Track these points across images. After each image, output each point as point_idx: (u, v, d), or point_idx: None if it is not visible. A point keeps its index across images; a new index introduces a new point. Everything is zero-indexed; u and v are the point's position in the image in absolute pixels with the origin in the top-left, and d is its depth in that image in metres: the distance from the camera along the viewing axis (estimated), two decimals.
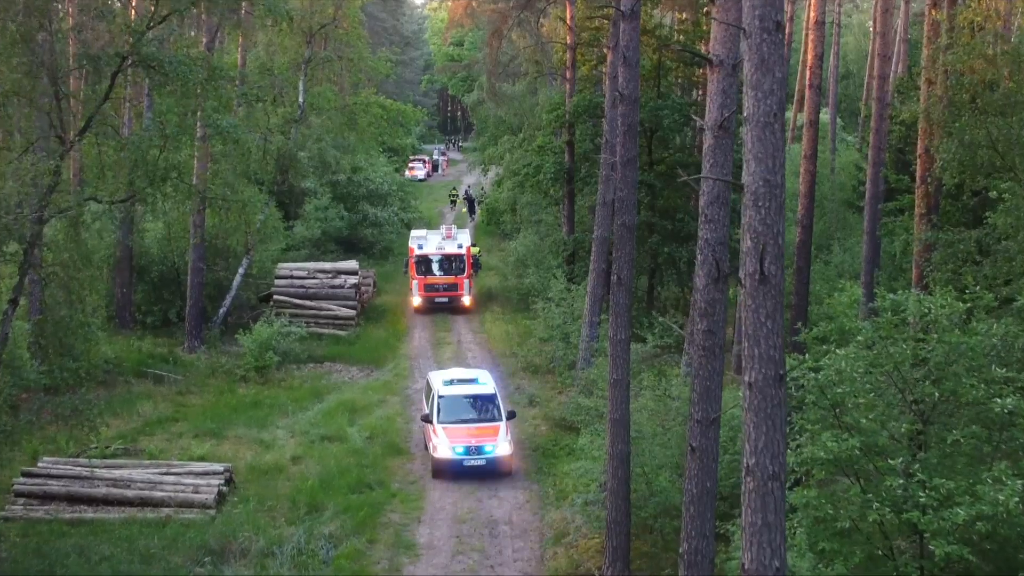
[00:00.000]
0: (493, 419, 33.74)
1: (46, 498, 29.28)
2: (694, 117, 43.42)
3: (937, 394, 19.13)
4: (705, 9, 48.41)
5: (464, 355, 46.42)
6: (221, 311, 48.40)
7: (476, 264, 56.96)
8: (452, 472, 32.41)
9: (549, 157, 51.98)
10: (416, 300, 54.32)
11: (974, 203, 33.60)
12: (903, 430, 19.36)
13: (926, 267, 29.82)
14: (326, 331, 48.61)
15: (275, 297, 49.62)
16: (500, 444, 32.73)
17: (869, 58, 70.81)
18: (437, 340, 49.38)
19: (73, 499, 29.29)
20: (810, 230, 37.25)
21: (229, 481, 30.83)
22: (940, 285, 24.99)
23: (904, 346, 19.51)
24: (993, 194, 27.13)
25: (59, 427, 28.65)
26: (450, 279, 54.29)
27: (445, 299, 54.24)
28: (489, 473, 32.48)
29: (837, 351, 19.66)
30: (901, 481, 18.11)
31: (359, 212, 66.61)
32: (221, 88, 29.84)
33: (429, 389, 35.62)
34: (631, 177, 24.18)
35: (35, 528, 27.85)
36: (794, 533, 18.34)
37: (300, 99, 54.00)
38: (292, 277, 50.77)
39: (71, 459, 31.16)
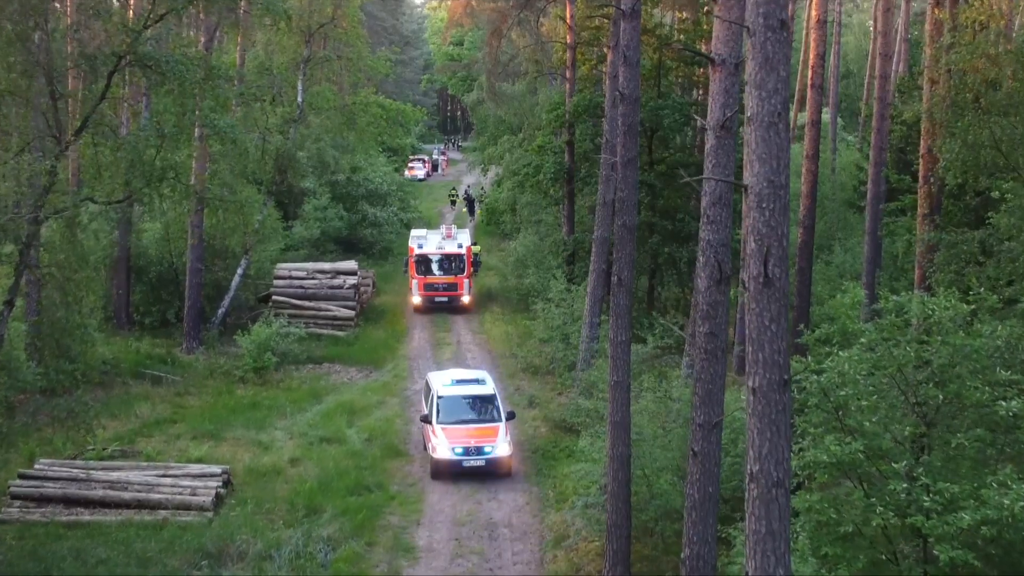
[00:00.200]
0: (493, 420, 33.61)
1: (42, 500, 29.08)
2: (695, 117, 43.26)
3: (941, 397, 18.95)
4: (706, 8, 48.23)
5: (464, 356, 46.24)
6: (220, 312, 48.22)
7: (476, 263, 56.82)
8: (451, 473, 32.29)
9: (549, 157, 51.82)
10: (416, 299, 54.23)
11: (976, 203, 33.41)
12: (906, 433, 19.18)
13: (929, 268, 29.64)
14: (325, 332, 48.41)
15: (274, 298, 49.42)
16: (499, 445, 32.62)
17: (869, 57, 70.66)
18: (437, 341, 49.20)
19: (70, 501, 29.09)
20: (812, 231, 37.10)
21: (227, 483, 30.64)
22: (943, 286, 24.83)
23: (908, 348, 19.32)
24: (995, 194, 26.94)
25: (55, 429, 28.41)
26: (450, 279, 54.20)
27: (445, 299, 54.14)
28: (488, 474, 32.36)
29: (840, 353, 19.47)
30: (905, 485, 17.92)
31: (358, 212, 66.46)
32: (219, 88, 29.64)
33: (428, 390, 35.45)
34: (632, 177, 23.99)
35: (31, 531, 27.63)
36: (796, 537, 18.14)
37: (299, 99, 53.79)
38: (291, 277, 50.57)
39: (68, 461, 30.99)
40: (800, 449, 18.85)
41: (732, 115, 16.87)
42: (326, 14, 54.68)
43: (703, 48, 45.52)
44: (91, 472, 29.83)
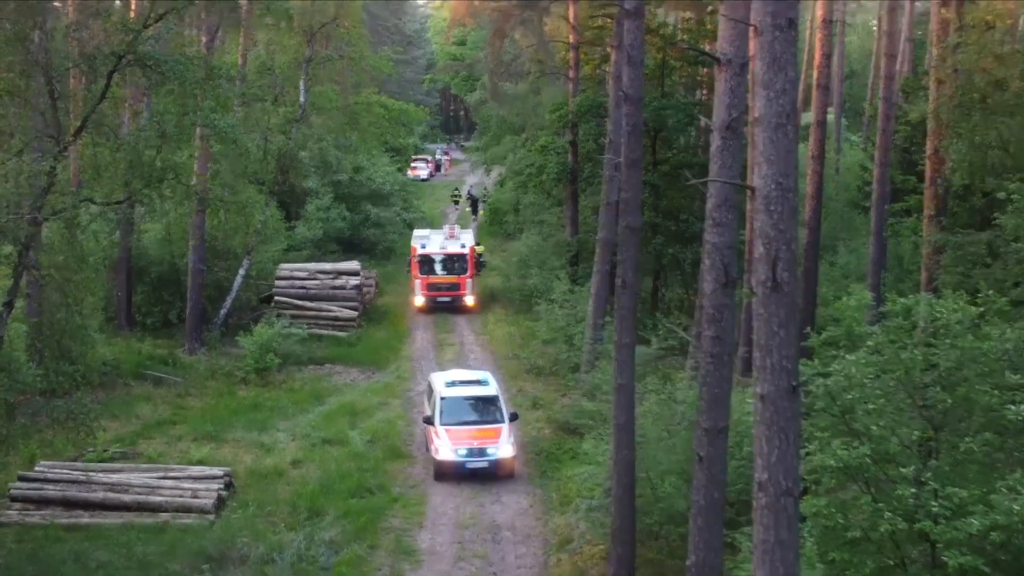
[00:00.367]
0: (495, 421, 33.45)
1: (42, 503, 28.92)
2: (700, 117, 43.09)
3: (949, 400, 18.74)
4: (709, 8, 47.98)
5: (466, 357, 46.07)
6: (221, 312, 48.04)
7: (480, 263, 56.68)
8: (454, 474, 32.14)
9: (552, 157, 51.69)
10: (419, 300, 54.14)
11: (982, 204, 33.22)
12: (914, 437, 18.98)
13: (935, 270, 29.45)
14: (327, 332, 48.21)
15: (276, 298, 49.24)
16: (502, 446, 32.48)
17: (874, 57, 70.54)
18: (439, 341, 49.04)
19: (70, 504, 28.92)
20: (818, 232, 36.95)
21: (228, 485, 30.45)
22: (950, 288, 24.64)
23: (915, 352, 19.11)
24: (1002, 195, 26.76)
25: (55, 431, 28.23)
26: (453, 279, 54.10)
27: (448, 299, 54.04)
28: (491, 476, 32.21)
29: (847, 356, 19.26)
30: (913, 490, 17.71)
31: (361, 212, 66.32)
32: (219, 88, 29.45)
33: (431, 391, 35.30)
34: (636, 178, 23.80)
35: (31, 533, 27.45)
36: (804, 543, 17.93)
37: (301, 98, 53.60)
38: (293, 278, 50.39)
39: (68, 463, 30.79)
40: (807, 454, 18.64)
41: (738, 116, 16.64)
42: (328, 14, 54.47)
43: (707, 48, 45.31)
44: (91, 474, 29.66)
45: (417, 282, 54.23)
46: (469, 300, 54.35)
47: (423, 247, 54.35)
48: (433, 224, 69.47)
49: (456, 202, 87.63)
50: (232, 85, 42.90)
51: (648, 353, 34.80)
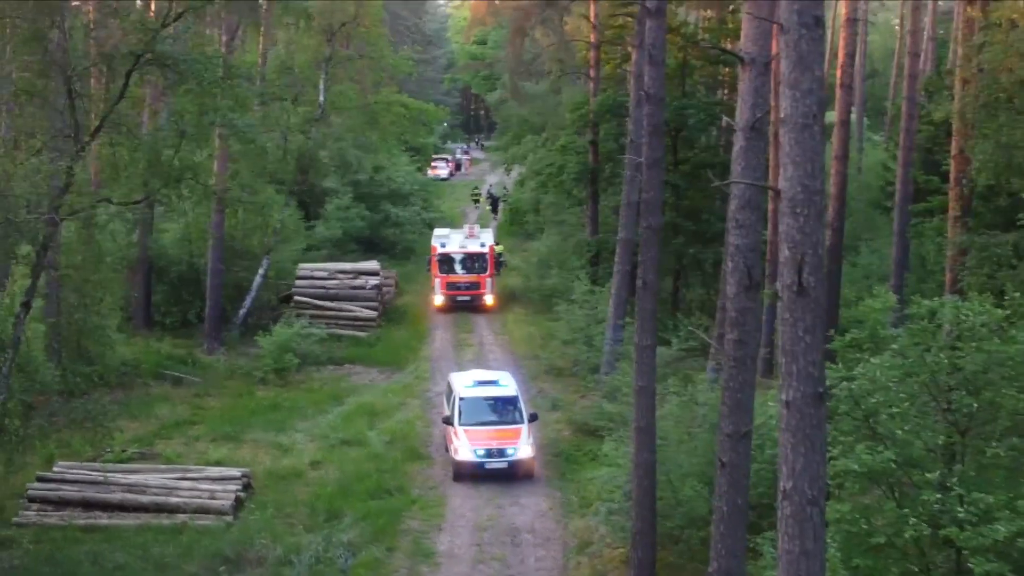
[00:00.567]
0: (515, 421, 33.24)
1: (60, 503, 28.80)
2: (723, 117, 42.80)
3: (975, 404, 18.48)
4: (731, 7, 47.73)
5: (486, 357, 45.90)
6: (241, 312, 47.98)
7: (500, 263, 56.60)
8: (473, 475, 31.96)
9: (572, 157, 51.52)
10: (438, 299, 54.07)
11: (1007, 205, 32.87)
12: (940, 442, 18.73)
13: (960, 272, 29.13)
14: (346, 332, 48.10)
15: (295, 298, 49.16)
16: (522, 447, 32.30)
17: (896, 56, 70.14)
18: (459, 342, 48.89)
19: (88, 504, 28.81)
20: (841, 233, 36.65)
21: (247, 487, 30.30)
22: (975, 290, 24.34)
23: (941, 355, 18.84)
24: None
25: (73, 432, 28.16)
26: (472, 278, 54.03)
27: (467, 298, 53.96)
28: (511, 477, 32.02)
29: (871, 360, 19.01)
30: (938, 495, 17.45)
31: (381, 212, 66.21)
32: (238, 87, 29.35)
33: (450, 391, 35.12)
34: (657, 178, 23.56)
35: (48, 534, 27.36)
36: (827, 548, 17.67)
37: (321, 98, 53.50)
38: (313, 278, 50.31)
39: (87, 464, 30.69)
40: (830, 458, 18.39)
41: (762, 116, 16.41)
42: (348, 13, 54.39)
43: (729, 47, 45.02)
44: (109, 475, 29.54)
45: (437, 281, 54.15)
46: (488, 299, 54.23)
47: (443, 246, 54.32)
48: (453, 224, 69.36)
49: (476, 202, 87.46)
50: (251, 84, 42.82)
51: (669, 354, 34.45)
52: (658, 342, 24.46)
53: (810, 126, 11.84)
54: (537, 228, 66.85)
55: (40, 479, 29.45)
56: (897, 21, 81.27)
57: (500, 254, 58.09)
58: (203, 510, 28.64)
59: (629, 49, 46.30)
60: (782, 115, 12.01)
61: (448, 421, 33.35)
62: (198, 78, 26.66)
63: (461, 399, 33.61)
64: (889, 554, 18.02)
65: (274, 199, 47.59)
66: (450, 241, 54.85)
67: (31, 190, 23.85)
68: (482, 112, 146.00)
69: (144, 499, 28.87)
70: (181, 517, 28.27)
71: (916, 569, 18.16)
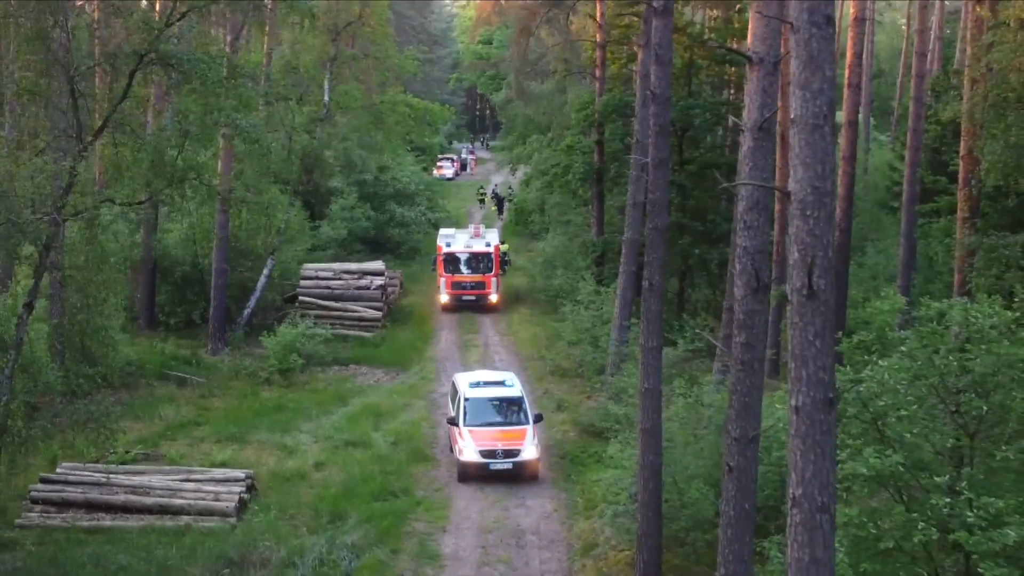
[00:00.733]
0: (520, 422, 33.21)
1: (64, 505, 28.73)
2: (730, 117, 42.68)
3: (985, 407, 18.32)
4: (738, 6, 47.58)
5: (491, 357, 45.79)
6: (245, 312, 47.87)
7: (505, 262, 56.55)
8: (478, 476, 31.88)
9: (578, 157, 51.45)
10: (443, 298, 54.13)
11: (1015, 206, 32.70)
12: (948, 445, 18.58)
13: (968, 273, 28.94)
14: (351, 333, 48.00)
15: (300, 298, 49.09)
16: (527, 448, 32.22)
17: (902, 56, 70.01)
18: (464, 342, 48.77)
19: (91, 506, 28.74)
20: (848, 234, 36.51)
21: (251, 488, 30.19)
22: (983, 292, 24.18)
23: (951, 358, 18.69)
24: None
25: (76, 433, 28.04)
26: (477, 277, 54.06)
27: (472, 297, 54.00)
28: (516, 478, 31.93)
29: (880, 363, 18.85)
30: (947, 499, 17.29)
31: (386, 212, 66.17)
32: (242, 87, 29.17)
33: (455, 391, 35.04)
34: (663, 179, 23.38)
35: (51, 536, 27.28)
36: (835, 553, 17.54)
37: (326, 97, 53.41)
38: (318, 278, 50.24)
39: (90, 464, 30.56)
40: (838, 461, 18.22)
41: (771, 116, 16.23)
42: (353, 13, 54.29)
43: (734, 46, 44.88)
44: (112, 476, 29.43)
45: (442, 280, 54.26)
46: (493, 299, 54.31)
47: (448, 246, 54.41)
48: (459, 224, 69.35)
49: (482, 202, 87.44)
50: (256, 84, 42.67)
51: (675, 355, 34.42)
52: (664, 343, 24.33)
53: (821, 127, 11.67)
54: (542, 228, 66.78)
55: (43, 480, 29.38)
56: (903, 20, 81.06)
57: (505, 253, 58.09)
58: (207, 512, 28.53)
59: (635, 49, 46.18)
60: (792, 116, 11.84)
61: (453, 422, 33.28)
62: (202, 78, 26.48)
63: (466, 400, 33.54)
64: (897, 558, 17.89)
65: (278, 199, 47.45)
66: (455, 241, 54.88)
67: (34, 190, 23.69)
68: (488, 112, 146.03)
69: (148, 501, 28.77)
70: (185, 519, 28.17)
71: (925, 574, 18.03)
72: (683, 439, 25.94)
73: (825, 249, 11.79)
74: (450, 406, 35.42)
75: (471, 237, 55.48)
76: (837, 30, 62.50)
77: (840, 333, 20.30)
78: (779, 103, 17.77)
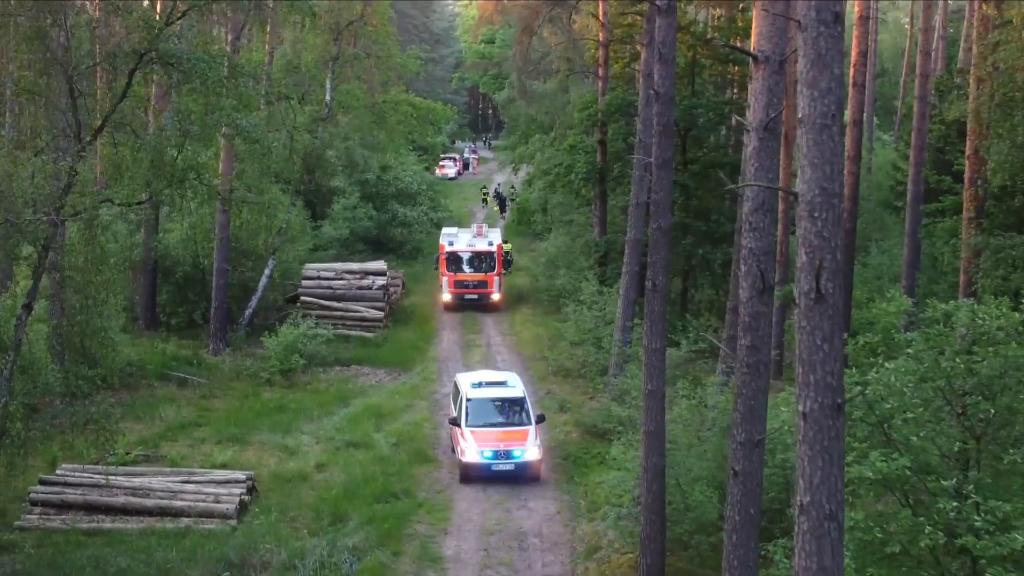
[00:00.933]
0: (522, 423, 33.09)
1: (63, 507, 28.58)
2: (734, 116, 42.46)
3: (992, 410, 18.12)
4: (741, 5, 47.37)
5: (493, 358, 45.62)
6: (247, 312, 47.70)
7: (508, 262, 56.44)
8: (480, 476, 31.76)
9: (581, 156, 51.28)
10: (446, 297, 54.07)
11: (1021, 205, 32.49)
12: (955, 448, 18.38)
13: (975, 274, 28.73)
14: (353, 333, 47.81)
15: (302, 298, 48.91)
16: (529, 448, 32.09)
17: (905, 55, 69.76)
18: (466, 342, 48.59)
19: (91, 508, 28.59)
20: (853, 234, 36.31)
21: (251, 490, 30.04)
22: (989, 293, 23.98)
23: (957, 360, 18.48)
24: None
25: (76, 435, 27.88)
26: (480, 276, 53.96)
27: (475, 296, 53.91)
28: (518, 479, 31.80)
29: (886, 365, 18.64)
30: (954, 503, 17.09)
31: (388, 211, 66.01)
32: (242, 86, 28.97)
33: (457, 392, 34.89)
34: (667, 179, 23.19)
35: (51, 538, 27.11)
36: None
37: (328, 97, 53.27)
38: (319, 278, 50.07)
39: (90, 466, 30.40)
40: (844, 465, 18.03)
41: (776, 116, 16.02)
42: (355, 12, 54.11)
43: (738, 45, 44.69)
44: (111, 478, 29.26)
45: (444, 279, 54.17)
46: (496, 298, 54.22)
47: (451, 244, 54.34)
48: (461, 223, 69.19)
49: (485, 201, 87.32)
50: (257, 83, 42.49)
51: (678, 356, 34.24)
52: (667, 344, 24.16)
53: (829, 127, 11.46)
54: (545, 228, 66.60)
55: (42, 482, 29.24)
56: (906, 19, 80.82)
57: (508, 252, 58.01)
58: (207, 514, 28.38)
59: (638, 48, 46.00)
60: (800, 115, 11.62)
61: (455, 422, 33.17)
62: (202, 77, 26.29)
63: (468, 400, 33.40)
64: (904, 563, 17.69)
65: (279, 199, 47.26)
66: (458, 240, 54.80)
67: (33, 191, 23.51)
68: (490, 111, 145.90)
69: (148, 503, 28.62)
70: (185, 521, 28.02)
71: None
72: (687, 441, 25.76)
73: (833, 252, 11.57)
74: (452, 406, 35.27)
75: (474, 236, 55.36)
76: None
77: (845, 335, 20.10)
78: (786, 102, 17.58)
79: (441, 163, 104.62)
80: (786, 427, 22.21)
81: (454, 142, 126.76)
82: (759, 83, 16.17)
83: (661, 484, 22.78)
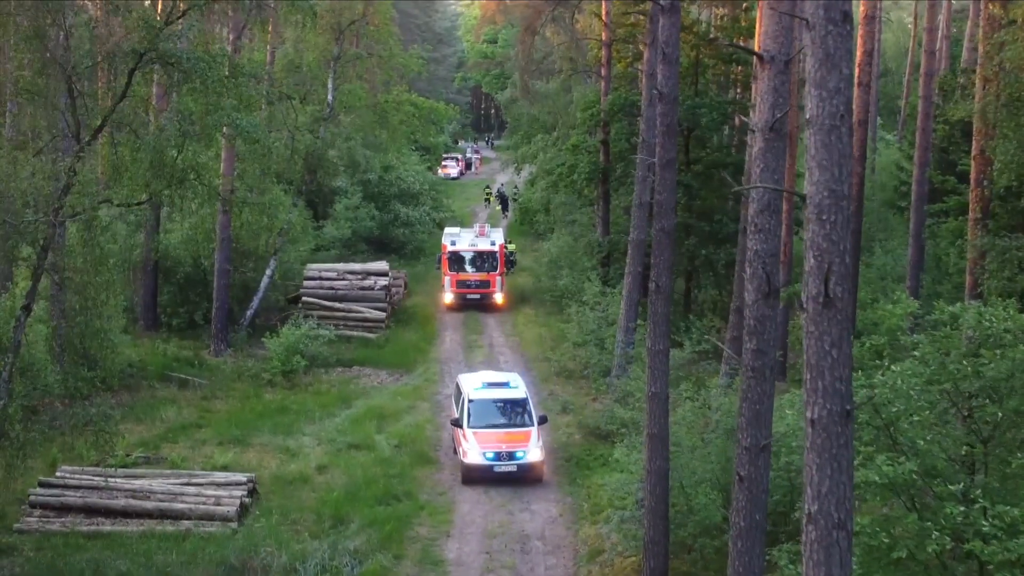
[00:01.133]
0: (524, 424, 32.99)
1: (63, 509, 28.40)
2: (738, 116, 42.27)
3: (1000, 414, 17.95)
4: (744, 4, 47.19)
5: (496, 358, 45.44)
6: (248, 313, 47.54)
7: (511, 261, 56.30)
8: (482, 478, 31.66)
9: (583, 156, 51.18)
10: (448, 297, 53.93)
11: None
12: (963, 452, 18.21)
13: (981, 275, 28.52)
14: (355, 334, 47.60)
15: (304, 299, 48.72)
16: (531, 450, 32.00)
17: (909, 55, 69.56)
18: (468, 343, 48.41)
19: (91, 510, 28.42)
20: (859, 235, 36.16)
21: (252, 492, 29.88)
22: (994, 294, 23.81)
23: (964, 362, 18.30)
24: None
25: (76, 437, 27.72)
26: (482, 276, 53.80)
27: (477, 296, 53.75)
28: (520, 480, 31.70)
29: (892, 368, 18.47)
30: (962, 508, 16.91)
31: (390, 211, 65.82)
32: (243, 86, 28.77)
33: (459, 392, 34.75)
34: (670, 180, 23.02)
35: (50, 541, 26.93)
36: None
37: (329, 97, 53.11)
38: (321, 278, 49.87)
39: (90, 468, 30.22)
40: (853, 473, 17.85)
41: (782, 116, 15.82)
42: (357, 11, 54.02)
43: (742, 44, 44.53)
44: (111, 480, 29.10)
45: (446, 279, 54.01)
46: (498, 297, 54.01)
47: (453, 244, 54.21)
48: (463, 223, 69.01)
49: (488, 201, 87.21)
50: (258, 83, 42.32)
51: (681, 357, 34.02)
52: (671, 345, 23.98)
53: (838, 127, 11.27)
54: (547, 228, 66.42)
55: (42, 484, 29.06)
56: (909, 19, 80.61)
57: (512, 252, 57.89)
58: (208, 516, 28.21)
59: (641, 47, 45.86)
60: (807, 116, 11.43)
61: (457, 423, 33.11)
62: (202, 77, 26.10)
63: (470, 401, 33.29)
64: (910, 568, 17.54)
65: (280, 199, 47.08)
66: (460, 239, 54.68)
67: (32, 191, 23.33)
68: (493, 111, 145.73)
69: (148, 505, 28.46)
70: (185, 524, 27.86)
71: None
72: (690, 443, 25.61)
73: (842, 255, 11.38)
74: (454, 407, 35.13)
75: (476, 236, 55.20)
76: None
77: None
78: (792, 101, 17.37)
79: (443, 163, 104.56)
80: (791, 431, 22.03)
81: (457, 142, 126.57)
82: (765, 83, 15.96)
83: (665, 487, 22.62)
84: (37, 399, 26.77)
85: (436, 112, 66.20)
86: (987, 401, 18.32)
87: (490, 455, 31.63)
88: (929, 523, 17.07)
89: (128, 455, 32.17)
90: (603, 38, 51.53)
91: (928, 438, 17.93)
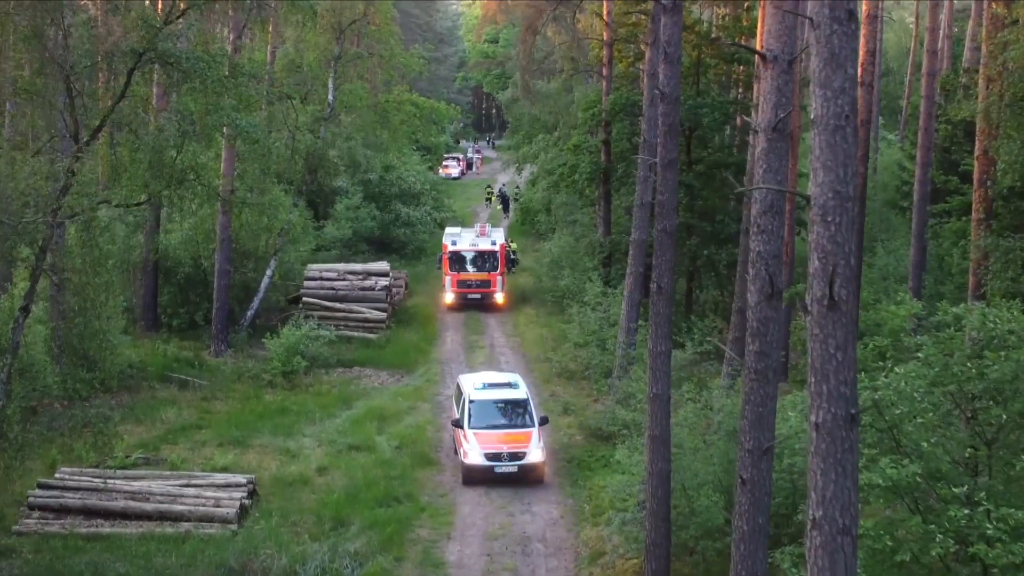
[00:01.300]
0: (525, 425, 32.85)
1: (62, 511, 28.23)
2: (740, 116, 42.15)
3: (1004, 416, 17.84)
4: (746, 4, 47.08)
5: (497, 359, 45.33)
6: (248, 314, 47.43)
7: (513, 261, 56.20)
8: (483, 479, 31.54)
9: (585, 156, 51.09)
10: (449, 296, 53.83)
11: None
12: (967, 454, 18.11)
13: (984, 276, 28.41)
14: (356, 334, 47.46)
15: (304, 299, 48.58)
16: (532, 451, 31.88)
17: (911, 55, 69.48)
18: (469, 344, 48.29)
19: (90, 512, 28.24)
20: (861, 235, 35.94)
21: (252, 494, 29.73)
22: (998, 295, 23.70)
23: (968, 364, 18.19)
24: None
25: (75, 438, 27.59)
26: (483, 276, 53.70)
27: (478, 295, 53.63)
28: (521, 481, 31.56)
29: (896, 370, 18.36)
30: (966, 511, 16.80)
31: (391, 212, 65.72)
32: (242, 86, 28.66)
33: (460, 393, 34.63)
34: (672, 180, 22.90)
35: (49, 543, 26.75)
36: None
37: (330, 96, 53.00)
38: (322, 279, 49.73)
39: (89, 470, 30.08)
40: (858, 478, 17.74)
41: (785, 116, 15.69)
42: (358, 11, 53.93)
43: (744, 44, 44.42)
44: (110, 481, 28.96)
45: (447, 279, 53.91)
46: (499, 297, 53.89)
47: (454, 244, 54.12)
48: (464, 223, 68.89)
49: (489, 201, 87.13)
50: (257, 83, 42.21)
51: (683, 358, 33.88)
52: (672, 346, 23.86)
53: (843, 128, 11.14)
54: (549, 228, 66.30)
55: (41, 486, 28.90)
56: (911, 19, 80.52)
57: (514, 252, 57.79)
58: (207, 518, 28.05)
59: (643, 47, 45.72)
60: (812, 116, 11.30)
61: (457, 424, 32.99)
62: (202, 77, 26.00)
63: (471, 402, 33.19)
64: (914, 571, 17.46)
65: (280, 199, 46.98)
66: (461, 239, 54.60)
67: (31, 192, 23.22)
68: (494, 111, 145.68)
69: (147, 507, 28.29)
70: (185, 526, 27.68)
71: None
72: (692, 445, 25.47)
73: (847, 257, 11.25)
74: (455, 408, 35.01)
75: (477, 236, 55.09)
76: None
77: None
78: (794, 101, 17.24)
79: (444, 163, 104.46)
80: (794, 432, 21.91)
81: (458, 142, 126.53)
82: (768, 83, 15.84)
83: (666, 488, 22.49)
84: (36, 400, 26.69)
85: (437, 112, 66.14)
86: (991, 403, 18.24)
87: (491, 456, 31.53)
88: (933, 526, 17.00)
89: (127, 456, 32.04)
90: (604, 38, 51.45)
91: (932, 440, 17.85)
